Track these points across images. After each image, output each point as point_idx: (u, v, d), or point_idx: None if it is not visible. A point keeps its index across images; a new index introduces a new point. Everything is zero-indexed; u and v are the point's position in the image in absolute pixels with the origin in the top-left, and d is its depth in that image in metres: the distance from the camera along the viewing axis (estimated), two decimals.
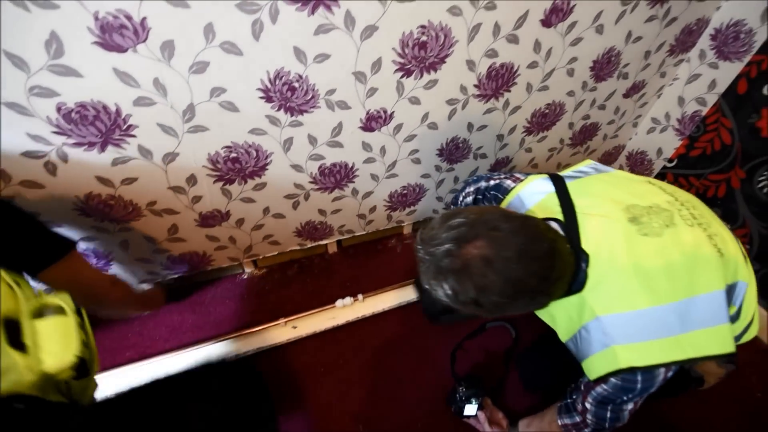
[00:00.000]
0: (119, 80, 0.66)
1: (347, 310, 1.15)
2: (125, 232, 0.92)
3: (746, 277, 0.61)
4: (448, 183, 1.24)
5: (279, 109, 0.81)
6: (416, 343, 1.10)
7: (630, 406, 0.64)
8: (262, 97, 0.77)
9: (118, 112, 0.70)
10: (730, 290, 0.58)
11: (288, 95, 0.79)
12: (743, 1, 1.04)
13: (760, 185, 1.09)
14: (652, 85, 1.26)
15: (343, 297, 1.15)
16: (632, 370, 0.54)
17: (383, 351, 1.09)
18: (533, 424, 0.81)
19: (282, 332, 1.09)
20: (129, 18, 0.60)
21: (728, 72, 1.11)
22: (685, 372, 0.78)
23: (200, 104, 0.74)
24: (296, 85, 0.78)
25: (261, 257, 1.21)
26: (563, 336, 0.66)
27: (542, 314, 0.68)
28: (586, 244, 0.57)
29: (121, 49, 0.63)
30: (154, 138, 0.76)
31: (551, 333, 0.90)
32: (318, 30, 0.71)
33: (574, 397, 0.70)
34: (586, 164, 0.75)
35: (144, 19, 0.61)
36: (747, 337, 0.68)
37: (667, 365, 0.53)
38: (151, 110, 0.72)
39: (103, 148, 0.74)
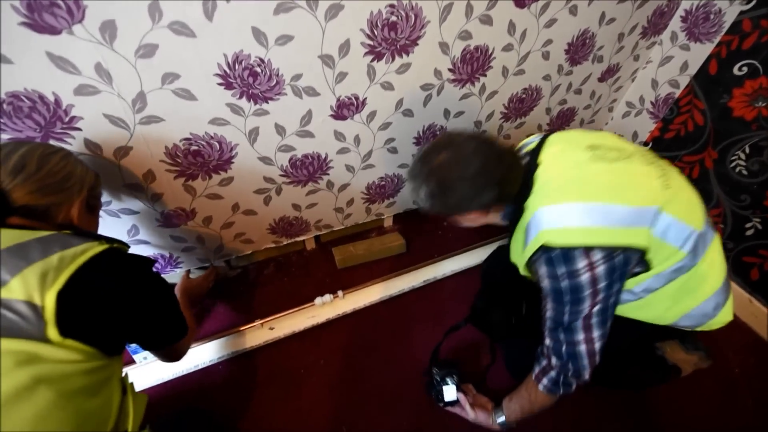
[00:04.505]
0: (56, 66, 0.60)
1: (327, 308, 1.10)
2: None
3: (702, 227, 0.64)
4: None
5: (241, 97, 0.75)
6: (399, 338, 1.07)
7: (580, 334, 0.64)
8: (221, 84, 0.72)
9: (57, 102, 0.64)
10: (697, 235, 0.63)
11: (250, 81, 0.73)
12: None
13: (732, 165, 1.10)
14: (627, 69, 1.26)
15: (322, 294, 1.11)
16: (551, 249, 0.61)
17: (365, 348, 1.05)
18: (514, 398, 0.81)
19: (259, 334, 1.04)
20: None
21: (699, 53, 1.12)
22: (661, 360, 0.79)
23: (151, 92, 0.68)
24: (258, 69, 0.72)
25: (234, 257, 1.15)
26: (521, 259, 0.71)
27: (513, 245, 0.75)
28: (540, 158, 0.68)
29: (55, 31, 0.57)
30: (103, 131, 0.70)
31: (536, 318, 0.88)
32: (278, 9, 0.66)
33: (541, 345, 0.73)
34: None
35: None
36: (721, 322, 0.71)
37: (582, 248, 0.60)
38: (96, 99, 0.65)
39: None
